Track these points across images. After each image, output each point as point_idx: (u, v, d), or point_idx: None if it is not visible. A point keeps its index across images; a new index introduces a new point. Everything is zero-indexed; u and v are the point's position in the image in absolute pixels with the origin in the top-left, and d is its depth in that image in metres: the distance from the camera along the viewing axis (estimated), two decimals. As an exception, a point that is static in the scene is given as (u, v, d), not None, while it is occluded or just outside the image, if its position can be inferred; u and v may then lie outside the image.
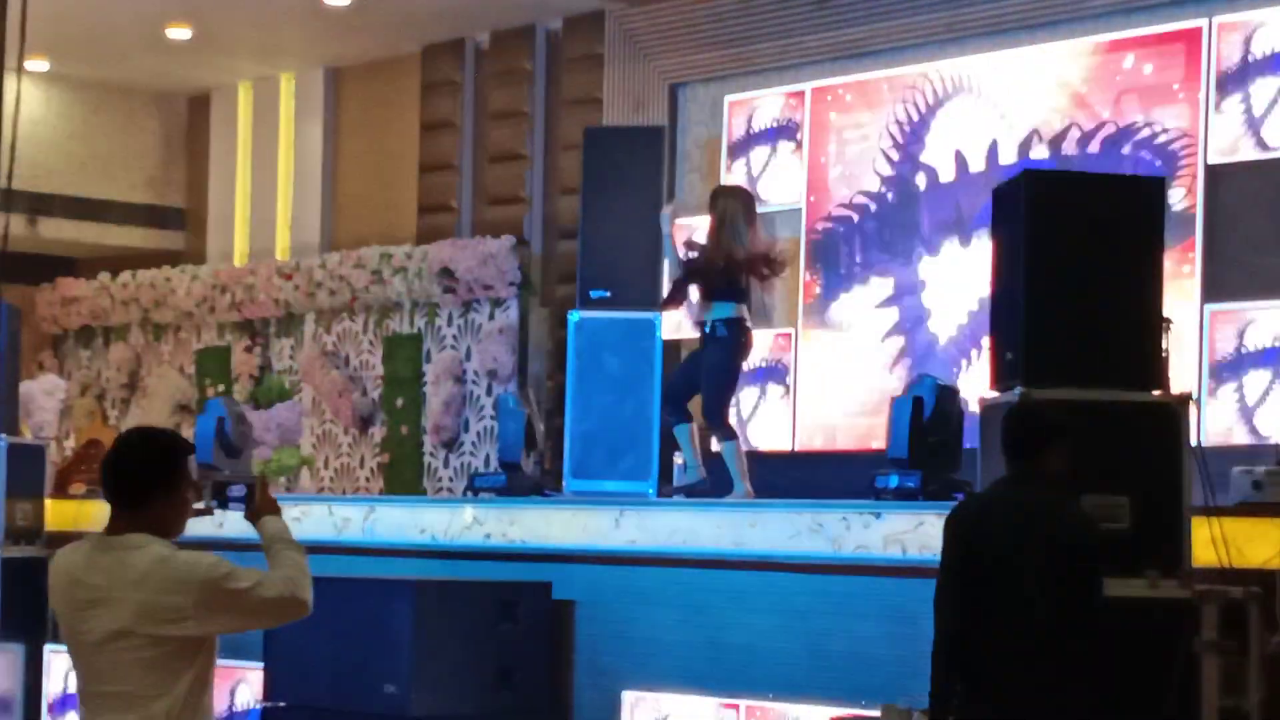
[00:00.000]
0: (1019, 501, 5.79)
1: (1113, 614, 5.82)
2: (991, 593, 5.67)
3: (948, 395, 8.64)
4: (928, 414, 8.50)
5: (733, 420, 9.97)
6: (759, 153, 11.89)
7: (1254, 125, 9.68)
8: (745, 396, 11.52)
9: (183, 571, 4.60)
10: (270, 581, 4.71)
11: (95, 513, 11.50)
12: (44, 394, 14.23)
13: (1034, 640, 5.62)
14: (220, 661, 9.97)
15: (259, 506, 4.99)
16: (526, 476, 10.06)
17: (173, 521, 4.77)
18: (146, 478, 4.72)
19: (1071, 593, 5.64)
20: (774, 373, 11.63)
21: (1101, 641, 5.70)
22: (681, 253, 9.95)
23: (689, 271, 9.83)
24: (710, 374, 9.68)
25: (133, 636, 4.56)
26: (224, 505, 5.02)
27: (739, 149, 11.99)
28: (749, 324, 9.69)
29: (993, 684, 5.64)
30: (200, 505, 4.91)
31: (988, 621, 5.67)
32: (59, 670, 10.92)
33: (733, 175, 11.96)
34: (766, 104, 11.91)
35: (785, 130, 11.77)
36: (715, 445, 9.83)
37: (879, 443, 10.32)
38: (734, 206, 9.84)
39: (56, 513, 11.61)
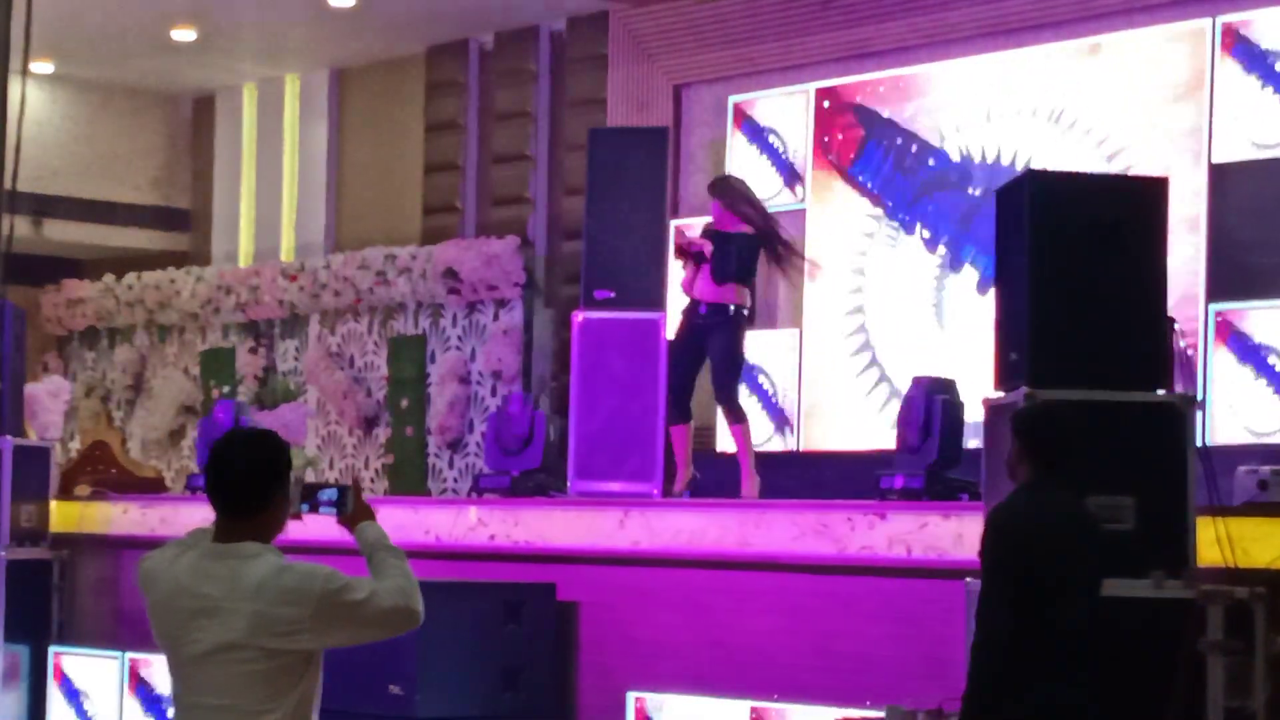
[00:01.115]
0: (1057, 503, 5.82)
1: (1118, 614, 5.83)
2: (1038, 596, 5.66)
3: (951, 395, 8.64)
4: (933, 414, 8.50)
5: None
6: (761, 152, 11.89)
7: (1258, 125, 9.66)
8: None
9: (301, 583, 4.41)
10: (385, 592, 4.52)
11: (100, 515, 11.52)
12: (49, 396, 14.23)
13: (1078, 643, 5.64)
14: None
15: (354, 511, 4.80)
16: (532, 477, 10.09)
17: (278, 527, 4.58)
18: (262, 481, 4.52)
19: (1099, 593, 5.71)
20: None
21: (1113, 642, 5.72)
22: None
23: (765, 235, 9.79)
24: (726, 354, 9.76)
25: (245, 649, 4.39)
26: (314, 509, 4.82)
27: (743, 149, 11.98)
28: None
29: (1038, 688, 5.63)
30: (290, 510, 4.70)
31: (1034, 625, 5.66)
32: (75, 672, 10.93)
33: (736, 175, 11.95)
34: (770, 104, 11.90)
35: (790, 130, 11.76)
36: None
37: (884, 443, 10.34)
38: (746, 187, 10.03)
39: (61, 514, 11.63)
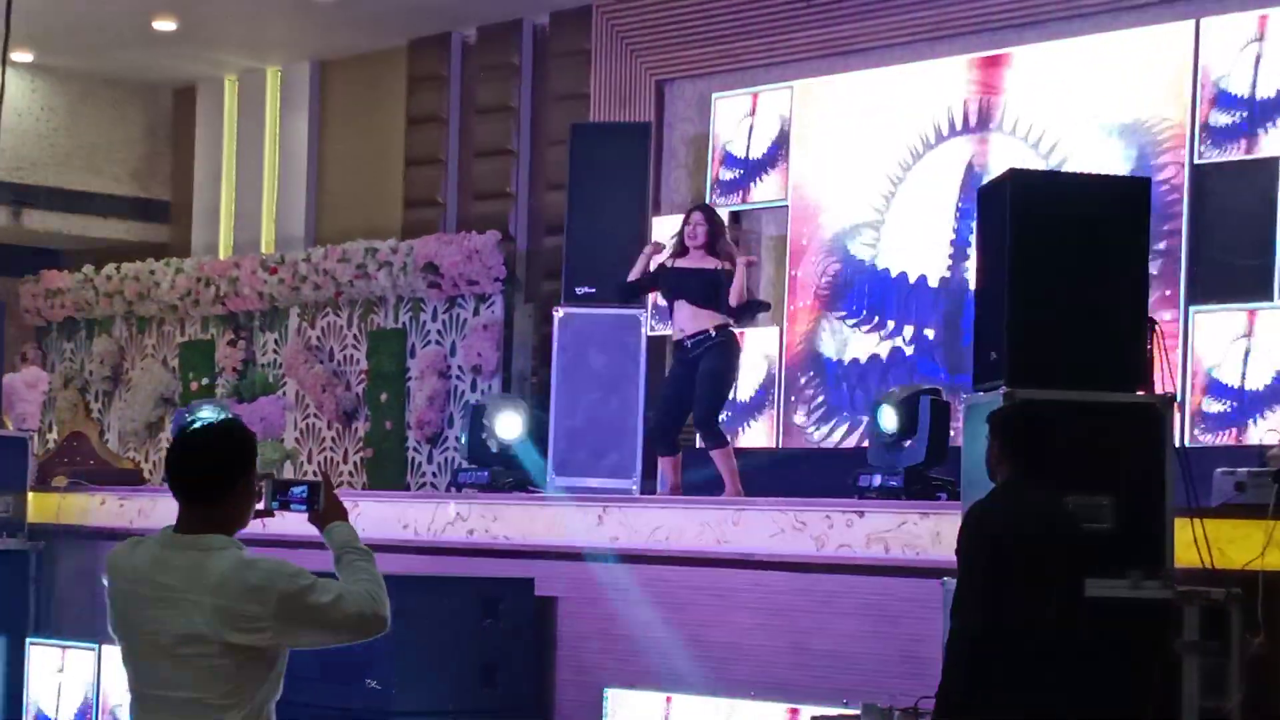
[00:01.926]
0: (1036, 502, 5.82)
1: (1094, 614, 5.84)
2: (1013, 593, 5.67)
3: (931, 393, 8.65)
4: (912, 412, 8.51)
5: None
6: (744, 149, 11.89)
7: (1240, 126, 9.68)
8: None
9: (264, 580, 4.30)
10: (351, 596, 4.40)
11: (77, 505, 11.50)
12: (27, 386, 14.21)
13: (1051, 640, 5.65)
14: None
15: (325, 510, 4.69)
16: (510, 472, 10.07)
17: (241, 519, 4.48)
18: (226, 472, 4.42)
19: (1077, 593, 5.72)
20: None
21: (1090, 641, 5.73)
22: (659, 261, 9.89)
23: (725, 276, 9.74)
24: (714, 380, 9.67)
25: (208, 642, 4.28)
26: (285, 506, 4.70)
27: (725, 145, 11.98)
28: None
29: (1011, 685, 5.64)
30: (260, 506, 4.60)
31: (1009, 622, 5.66)
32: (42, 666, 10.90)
33: (718, 172, 11.96)
34: (753, 101, 11.90)
35: (771, 127, 11.76)
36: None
37: (862, 441, 10.35)
38: (720, 222, 9.96)
39: (39, 505, 11.60)
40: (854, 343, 11.24)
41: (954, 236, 10.82)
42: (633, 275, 9.94)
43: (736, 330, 9.78)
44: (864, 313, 11.23)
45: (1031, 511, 5.84)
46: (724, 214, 11.82)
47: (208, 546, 4.38)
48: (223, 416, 4.47)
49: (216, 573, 4.32)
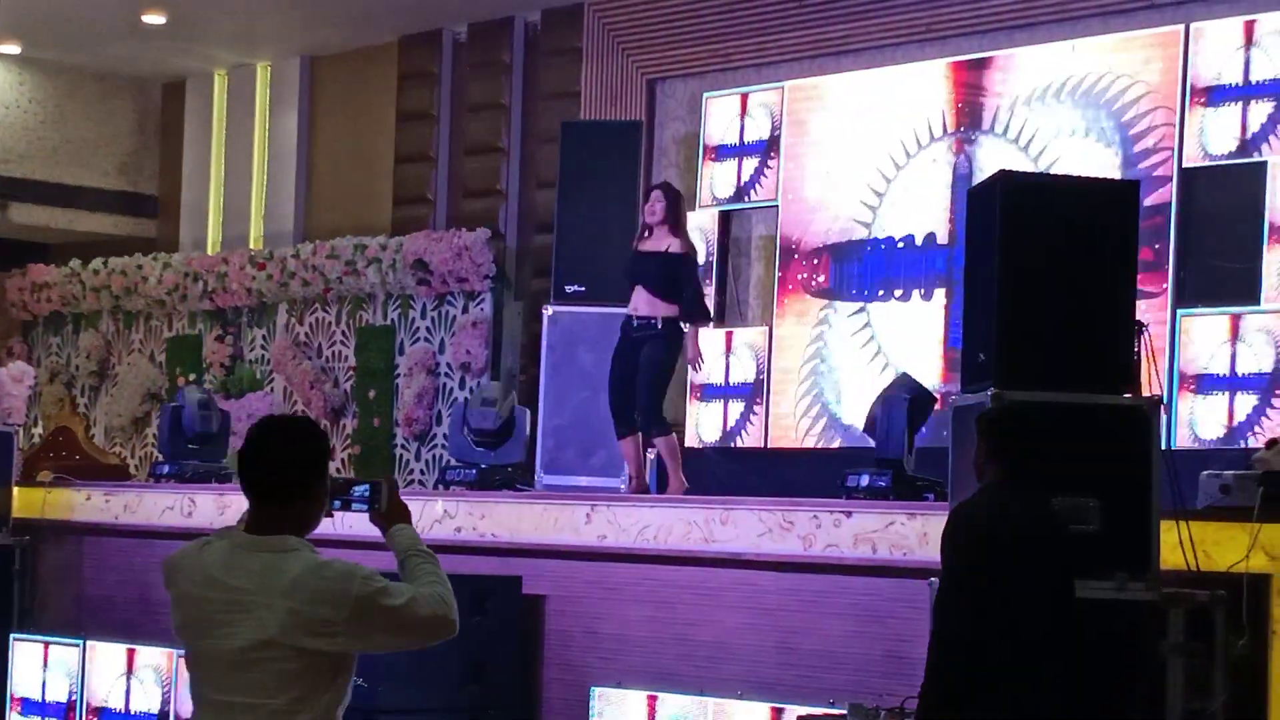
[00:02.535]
0: (1021, 503, 5.83)
1: (1080, 615, 5.85)
2: (997, 595, 5.67)
3: (923, 394, 8.66)
4: (906, 413, 8.51)
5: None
6: (735, 149, 11.89)
7: (1230, 129, 9.70)
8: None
9: (337, 583, 4.21)
10: (423, 599, 4.32)
11: (62, 500, 11.48)
12: (12, 380, 14.14)
13: (1035, 642, 5.65)
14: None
15: (389, 511, 4.59)
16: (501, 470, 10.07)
17: (314, 520, 4.38)
18: (301, 472, 4.33)
19: (1065, 593, 5.73)
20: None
21: (1076, 643, 5.74)
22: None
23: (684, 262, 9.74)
24: (656, 369, 9.65)
25: (279, 647, 4.19)
26: (346, 506, 4.58)
27: (716, 144, 11.98)
28: None
29: (995, 686, 5.65)
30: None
31: (992, 624, 5.67)
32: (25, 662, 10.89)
33: (709, 171, 11.96)
34: (744, 100, 11.90)
35: (763, 127, 11.76)
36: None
37: (850, 441, 10.37)
38: (680, 199, 9.92)
39: (24, 500, 11.58)
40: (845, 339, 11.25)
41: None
42: None
43: (685, 327, 9.74)
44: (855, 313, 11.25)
45: (1017, 513, 5.84)
46: (714, 214, 11.88)
47: (281, 548, 4.29)
48: (295, 413, 4.29)
49: (290, 576, 4.23)
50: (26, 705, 10.79)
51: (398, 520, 4.60)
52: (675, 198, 9.85)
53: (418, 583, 4.39)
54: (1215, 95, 9.75)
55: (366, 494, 4.58)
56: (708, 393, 11.62)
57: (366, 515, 4.61)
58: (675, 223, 9.72)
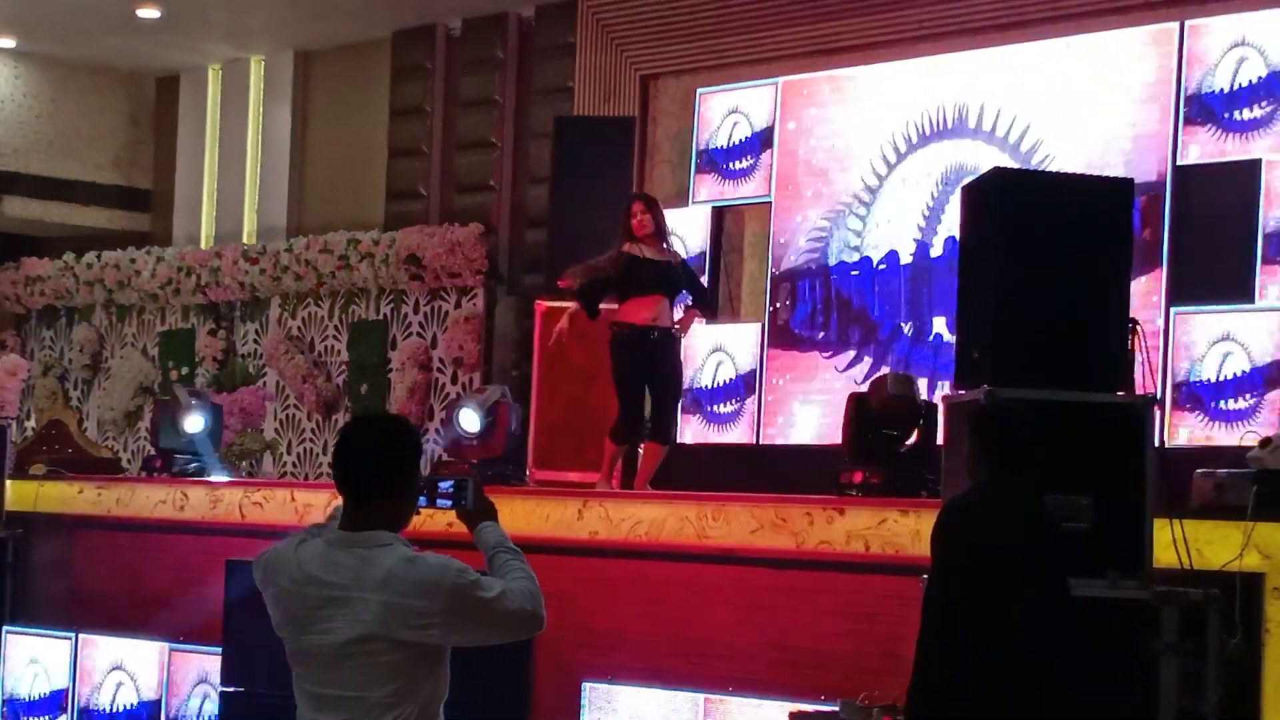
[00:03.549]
0: (1013, 501, 5.83)
1: (1073, 613, 5.85)
2: (988, 592, 5.67)
3: (911, 390, 8.64)
4: (892, 409, 8.51)
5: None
6: (728, 146, 11.88)
7: (1224, 128, 9.70)
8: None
9: (432, 575, 4.31)
10: (514, 593, 4.41)
11: (55, 494, 11.46)
12: (6, 374, 14.16)
13: (1025, 639, 5.65)
14: (180, 646, 9.96)
15: (476, 508, 4.67)
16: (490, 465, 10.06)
17: (407, 516, 4.46)
18: (397, 470, 4.40)
19: (1057, 591, 5.73)
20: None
21: (1067, 641, 5.74)
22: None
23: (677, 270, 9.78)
24: (678, 379, 9.79)
25: (378, 640, 4.28)
26: (432, 503, 4.64)
27: (709, 141, 11.97)
28: None
29: (983, 684, 5.64)
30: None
31: (982, 621, 5.66)
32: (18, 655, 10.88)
33: (702, 167, 11.95)
34: (737, 97, 11.90)
35: (756, 124, 11.75)
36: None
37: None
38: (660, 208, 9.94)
39: (16, 493, 11.56)
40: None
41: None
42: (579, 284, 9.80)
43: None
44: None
45: (1008, 510, 5.84)
46: (707, 210, 11.87)
47: (374, 544, 4.35)
48: (386, 412, 4.31)
49: (384, 570, 4.30)
50: (16, 699, 10.79)
51: (484, 517, 4.67)
52: (658, 207, 9.88)
53: (507, 578, 4.46)
54: (1209, 94, 9.75)
55: (452, 490, 4.63)
56: (698, 395, 11.61)
57: (453, 511, 4.65)
58: (662, 232, 9.76)
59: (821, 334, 11.15)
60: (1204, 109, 9.77)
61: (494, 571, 4.51)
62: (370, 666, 4.29)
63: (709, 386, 11.58)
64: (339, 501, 4.52)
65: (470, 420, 10.11)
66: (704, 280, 10.96)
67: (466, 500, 4.65)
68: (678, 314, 9.84)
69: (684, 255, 10.27)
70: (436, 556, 4.36)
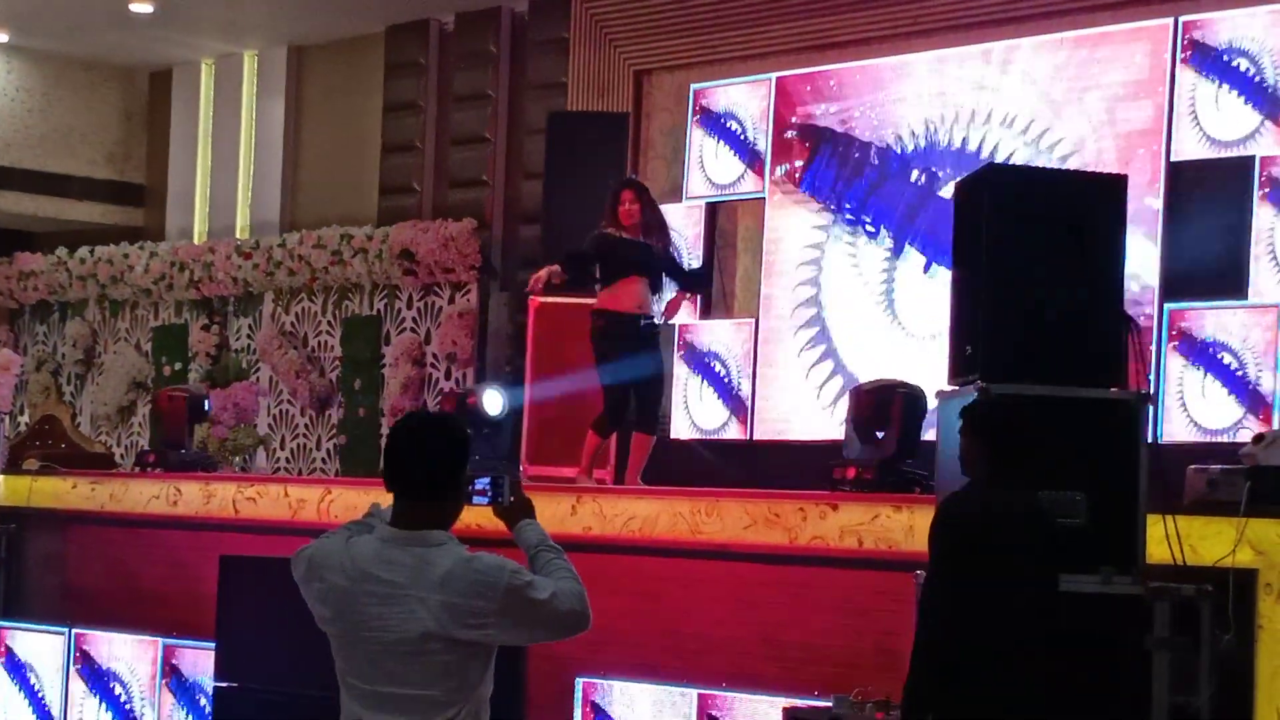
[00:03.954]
0: (1013, 498, 5.83)
1: (1065, 609, 5.85)
2: (987, 589, 5.67)
3: (906, 387, 8.65)
4: (888, 405, 8.51)
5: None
6: (721, 141, 11.88)
7: (1217, 123, 9.71)
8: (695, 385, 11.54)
9: (488, 575, 4.31)
10: (563, 593, 4.41)
11: (48, 489, 11.45)
12: (-1, 369, 14.15)
13: (1022, 636, 5.66)
14: (174, 641, 9.97)
15: (514, 506, 4.64)
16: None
17: (457, 514, 4.46)
18: (450, 468, 4.41)
19: (1052, 588, 5.74)
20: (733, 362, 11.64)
21: (1061, 637, 5.74)
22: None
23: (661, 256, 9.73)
24: (662, 369, 9.73)
25: (437, 639, 4.30)
26: (468, 499, 4.60)
27: (702, 137, 11.97)
28: None
29: (981, 680, 5.65)
30: None
31: (981, 617, 5.66)
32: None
33: (695, 163, 11.95)
34: (731, 92, 11.90)
35: (750, 119, 11.75)
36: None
37: (836, 433, 10.35)
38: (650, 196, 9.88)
39: (9, 488, 11.56)
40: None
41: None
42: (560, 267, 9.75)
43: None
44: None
45: (1009, 508, 5.84)
46: (700, 206, 11.86)
47: (430, 542, 4.36)
48: (437, 411, 4.28)
49: (442, 569, 4.32)
50: (11, 693, 10.78)
51: (524, 514, 4.66)
52: (649, 197, 9.78)
53: (553, 578, 4.46)
54: (1204, 88, 9.75)
55: (489, 486, 4.60)
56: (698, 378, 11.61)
57: (488, 508, 4.63)
58: (650, 227, 9.66)
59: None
60: (1199, 103, 9.77)
61: (538, 570, 4.50)
62: (427, 665, 4.31)
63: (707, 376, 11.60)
64: (377, 499, 4.52)
65: (494, 403, 10.06)
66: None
67: (503, 497, 4.63)
68: (663, 304, 9.76)
69: (676, 246, 10.11)
70: (492, 556, 4.37)
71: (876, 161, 11.10)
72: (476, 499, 4.58)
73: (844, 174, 11.30)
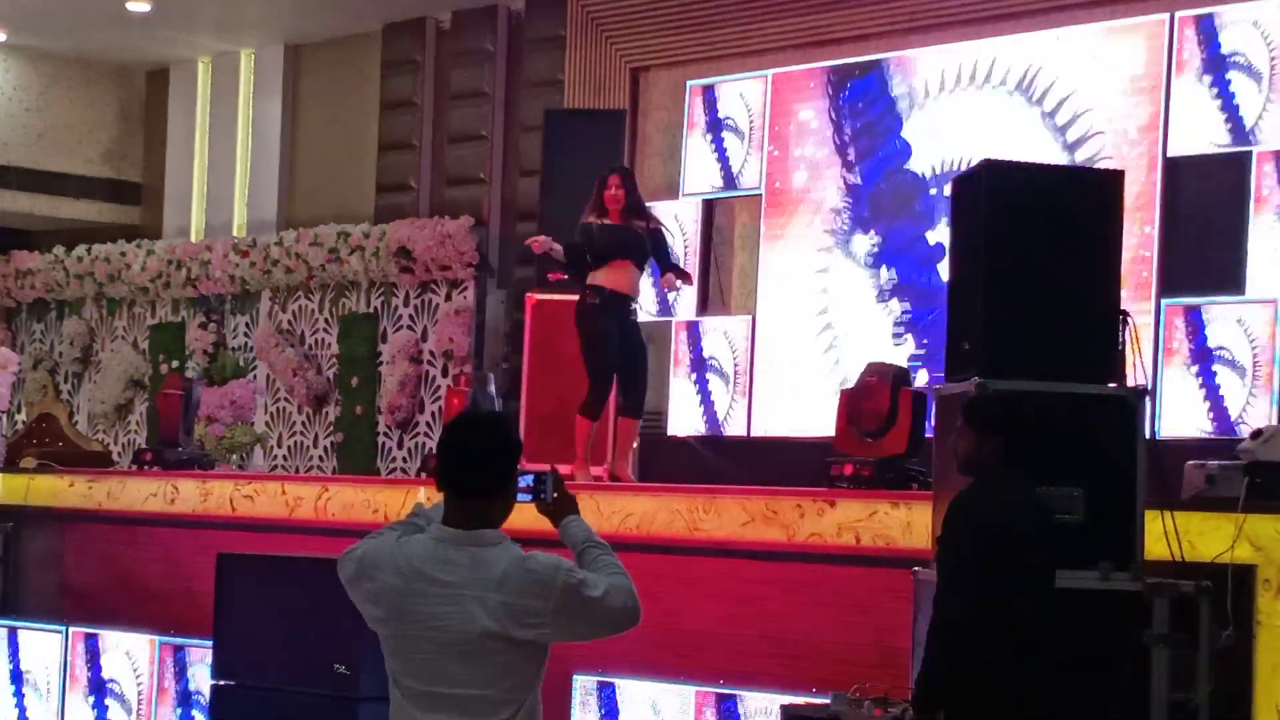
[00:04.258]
0: (1030, 494, 5.83)
1: (1064, 605, 5.84)
2: (1004, 585, 5.65)
3: (903, 382, 8.63)
4: (885, 401, 8.49)
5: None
6: (718, 138, 11.88)
7: (1214, 119, 9.70)
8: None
9: (544, 575, 4.31)
10: (615, 591, 4.42)
11: (46, 487, 11.45)
12: (-4, 367, 14.13)
13: (1034, 631, 5.65)
14: (171, 639, 9.95)
15: (558, 503, 4.61)
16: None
17: (508, 513, 4.44)
18: (503, 468, 4.39)
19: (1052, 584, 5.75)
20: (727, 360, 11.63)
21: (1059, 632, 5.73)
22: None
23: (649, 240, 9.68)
24: (645, 355, 9.72)
25: (495, 639, 4.29)
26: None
27: (699, 133, 11.97)
28: None
29: (991, 681, 5.64)
30: None
31: (997, 613, 5.65)
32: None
33: (692, 160, 11.95)
34: (728, 89, 11.89)
35: (747, 116, 11.75)
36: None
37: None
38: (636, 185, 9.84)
39: (7, 486, 11.56)
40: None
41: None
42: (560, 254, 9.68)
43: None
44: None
45: (1028, 504, 5.83)
46: (697, 202, 11.86)
47: (485, 542, 4.36)
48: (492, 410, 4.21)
49: (499, 569, 4.31)
50: (8, 692, 10.78)
51: (568, 511, 4.64)
52: (633, 181, 9.75)
53: (602, 574, 4.46)
54: (1200, 84, 9.75)
55: (532, 484, 4.57)
56: (696, 379, 11.62)
57: (531, 505, 4.60)
58: (638, 206, 9.62)
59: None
60: (1195, 99, 9.77)
61: (586, 567, 4.49)
62: (486, 665, 4.31)
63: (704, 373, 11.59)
64: (421, 498, 4.49)
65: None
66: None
67: (546, 494, 4.60)
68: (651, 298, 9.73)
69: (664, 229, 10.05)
70: (546, 555, 4.37)
71: (876, 158, 11.10)
72: (520, 496, 4.55)
73: (842, 170, 11.30)
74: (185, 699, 9.87)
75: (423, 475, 10.36)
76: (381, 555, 4.44)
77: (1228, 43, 9.71)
